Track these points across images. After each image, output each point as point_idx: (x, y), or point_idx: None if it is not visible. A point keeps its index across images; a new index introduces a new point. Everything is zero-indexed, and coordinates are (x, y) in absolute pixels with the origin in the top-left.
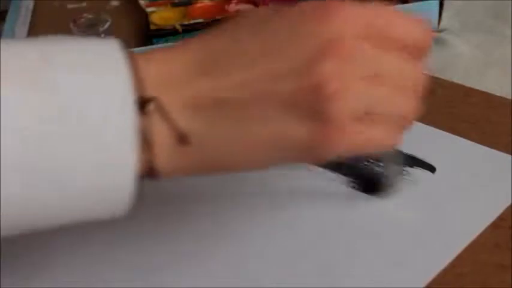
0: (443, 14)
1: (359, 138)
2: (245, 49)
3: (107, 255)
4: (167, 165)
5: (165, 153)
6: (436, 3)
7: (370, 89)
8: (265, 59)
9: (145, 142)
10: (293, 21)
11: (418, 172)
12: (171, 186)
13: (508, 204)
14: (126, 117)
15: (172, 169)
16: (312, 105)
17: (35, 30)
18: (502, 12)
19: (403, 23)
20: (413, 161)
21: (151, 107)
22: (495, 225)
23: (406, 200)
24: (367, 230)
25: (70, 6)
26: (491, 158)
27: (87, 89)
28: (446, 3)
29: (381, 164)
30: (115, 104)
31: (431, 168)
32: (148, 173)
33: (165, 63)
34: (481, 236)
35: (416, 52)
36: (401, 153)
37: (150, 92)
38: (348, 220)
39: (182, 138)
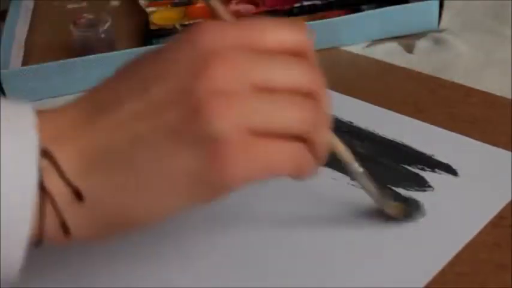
0: (443, 14)
1: (254, 158)
2: (118, 92)
3: (106, 253)
4: (76, 222)
5: (68, 209)
6: (436, 3)
7: (254, 100)
8: (140, 96)
9: (42, 198)
10: (164, 53)
11: (417, 170)
12: None
13: (508, 201)
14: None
15: (81, 227)
16: (196, 130)
17: (35, 30)
18: (502, 12)
19: (274, 29)
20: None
21: (45, 162)
22: (495, 224)
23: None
24: (366, 229)
25: (70, 6)
26: (491, 155)
27: None
28: (446, 3)
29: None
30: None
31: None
32: (63, 231)
33: (53, 120)
34: (480, 234)
35: (299, 56)
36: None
37: (45, 146)
38: (347, 219)
39: (77, 194)
